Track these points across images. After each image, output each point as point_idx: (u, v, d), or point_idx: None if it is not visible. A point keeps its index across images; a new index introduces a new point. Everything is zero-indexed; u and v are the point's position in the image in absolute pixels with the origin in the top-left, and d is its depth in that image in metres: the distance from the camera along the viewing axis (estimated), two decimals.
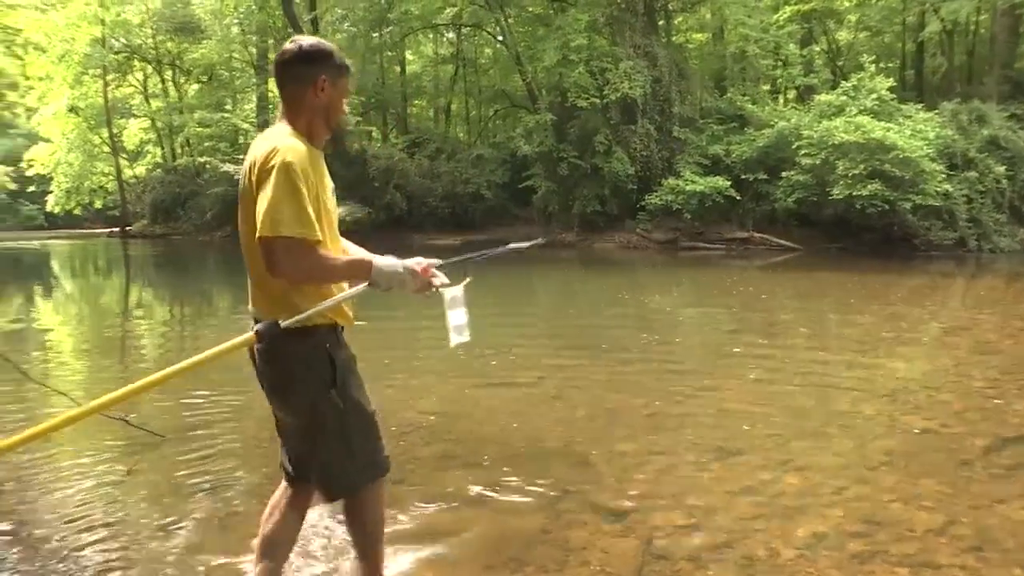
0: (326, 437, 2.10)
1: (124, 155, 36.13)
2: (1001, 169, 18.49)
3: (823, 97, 20.08)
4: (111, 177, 35.90)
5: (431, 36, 31.44)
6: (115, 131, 34.49)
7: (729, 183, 19.53)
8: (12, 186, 43.92)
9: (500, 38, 26.68)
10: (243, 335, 2.02)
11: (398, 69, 31.18)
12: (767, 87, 27.61)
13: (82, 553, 2.74)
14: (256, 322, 2.07)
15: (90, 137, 35.21)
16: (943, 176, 17.30)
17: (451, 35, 31.15)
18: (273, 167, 1.90)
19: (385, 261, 2.04)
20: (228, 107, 32.98)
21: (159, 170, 34.40)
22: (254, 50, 31.67)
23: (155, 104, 34.08)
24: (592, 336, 7.50)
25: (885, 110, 18.58)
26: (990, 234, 18.06)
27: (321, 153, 2.12)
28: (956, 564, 2.61)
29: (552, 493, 3.23)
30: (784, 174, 18.75)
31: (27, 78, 36.22)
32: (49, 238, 36.01)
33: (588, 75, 20.91)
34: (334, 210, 2.16)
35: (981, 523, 2.92)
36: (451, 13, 25.55)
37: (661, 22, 23.71)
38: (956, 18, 23.02)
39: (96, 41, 31.31)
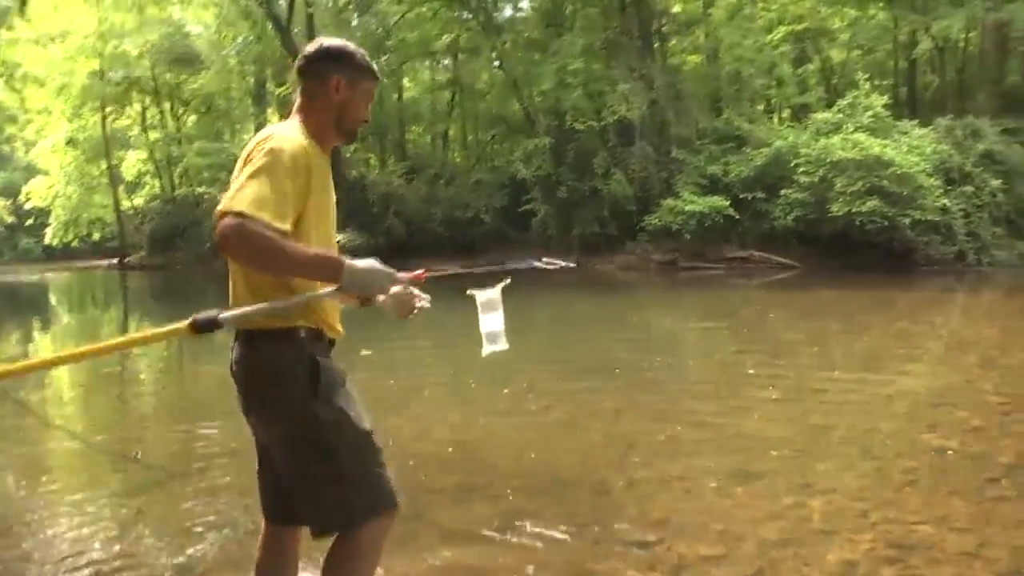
0: (309, 455, 1.83)
1: (122, 186, 36.21)
2: (997, 183, 18.60)
3: (820, 115, 20.24)
4: (109, 209, 35.95)
5: (428, 63, 31.66)
6: (113, 163, 34.61)
7: (728, 203, 19.59)
8: (10, 219, 43.98)
9: (497, 63, 26.88)
10: (175, 325, 1.75)
11: (395, 96, 31.35)
12: (762, 107, 27.81)
13: None
14: (235, 333, 1.90)
15: (88, 169, 35.35)
16: (941, 191, 17.39)
17: (448, 61, 31.37)
18: (262, 150, 1.77)
19: (362, 262, 1.79)
20: (226, 137, 33.15)
21: (158, 201, 34.47)
22: (252, 80, 31.89)
23: (153, 135, 34.27)
24: (601, 359, 7.45)
25: (881, 127, 18.70)
26: (988, 247, 18.10)
27: (327, 158, 1.98)
28: None
29: (574, 526, 3.15)
30: (783, 192, 18.83)
31: (26, 111, 36.44)
32: (47, 270, 35.96)
33: (585, 98, 21.07)
34: (333, 223, 2.00)
35: (1014, 544, 2.85)
36: (448, 40, 25.77)
37: (656, 45, 23.92)
38: (947, 35, 23.22)
39: (94, 74, 31.53)
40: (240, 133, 34.16)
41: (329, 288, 1.82)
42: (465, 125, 32.35)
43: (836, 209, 17.13)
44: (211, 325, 1.72)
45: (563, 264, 2.31)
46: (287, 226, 1.72)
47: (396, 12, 26.04)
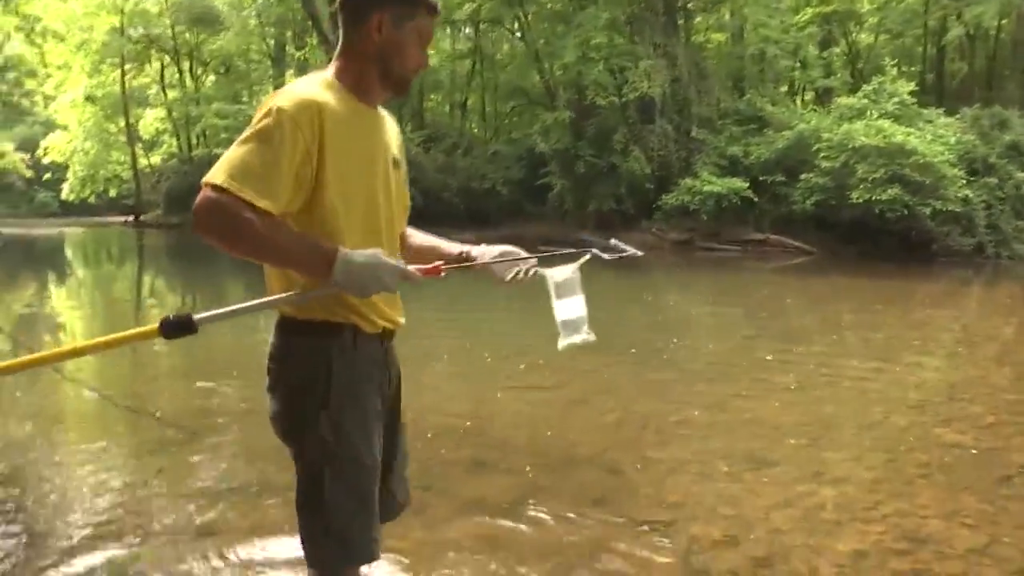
0: (299, 469, 1.63)
1: (140, 144, 36.30)
2: (1022, 175, 18.33)
3: (844, 100, 19.97)
4: (126, 166, 36.11)
5: (448, 31, 31.38)
6: (131, 121, 34.66)
7: (747, 185, 19.42)
8: (28, 173, 44.19)
9: (519, 34, 26.62)
10: (144, 327, 1.50)
11: None
12: (785, 88, 27.45)
13: (107, 554, 2.71)
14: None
15: (106, 126, 35.45)
16: (963, 182, 17.17)
17: (469, 30, 31.08)
18: (262, 110, 1.48)
19: (361, 254, 1.45)
20: (245, 99, 33.09)
21: (175, 160, 34.58)
22: (272, 42, 31.74)
23: (172, 94, 34.25)
24: (617, 338, 7.44)
25: (906, 114, 18.44)
26: (1009, 241, 17.89)
27: (373, 116, 1.65)
28: None
29: (587, 504, 3.19)
30: (803, 176, 18.63)
31: (45, 66, 36.50)
32: (64, 225, 36.21)
33: (607, 73, 20.86)
34: (381, 204, 1.64)
35: None
36: (470, 9, 25.47)
37: (681, 22, 23.57)
38: (979, 22, 22.78)
39: (114, 30, 31.49)
40: (259, 95, 34.08)
41: (320, 289, 1.51)
42: (484, 96, 32.13)
43: (856, 196, 16.95)
44: (182, 328, 1.44)
45: (629, 252, 1.83)
46: (276, 205, 1.43)
47: None
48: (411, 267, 1.54)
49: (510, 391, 5.11)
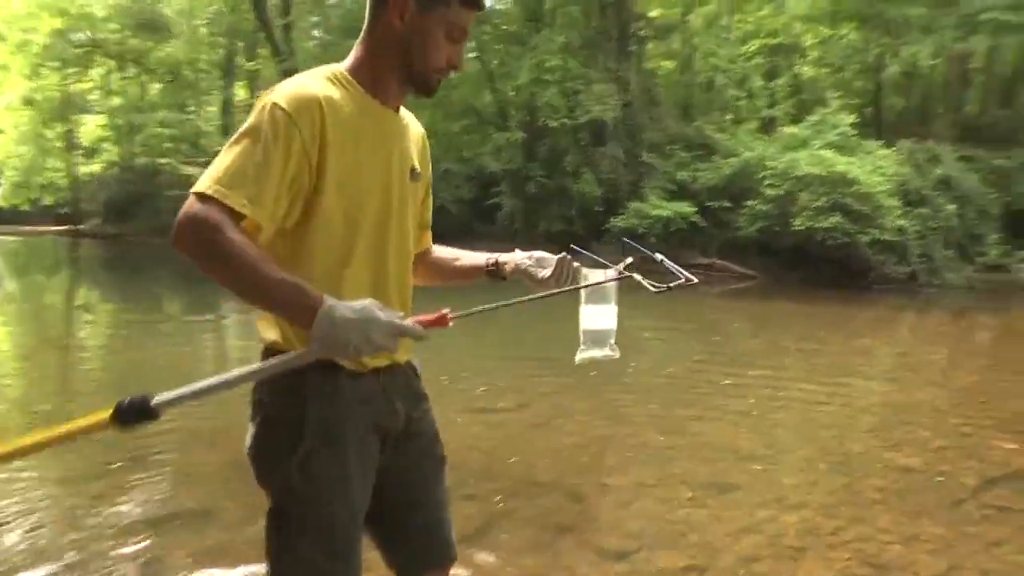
0: (268, 520, 1.40)
1: (79, 151, 35.11)
2: (952, 207, 19.15)
3: (789, 129, 20.57)
4: (63, 173, 34.86)
5: None
6: (71, 127, 33.54)
7: (694, 209, 19.78)
8: None
9: (474, 54, 26.72)
10: (95, 415, 1.20)
11: None
12: (730, 117, 28.18)
13: None
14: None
15: (43, 131, 34.17)
16: (899, 212, 17.83)
17: None
18: (256, 107, 1.31)
19: (349, 308, 1.20)
20: (191, 108, 32.37)
21: (116, 169, 33.52)
22: (222, 52, 31.20)
23: (115, 101, 33.27)
24: (573, 360, 7.44)
25: (847, 145, 19.06)
26: (940, 270, 18.60)
27: (395, 115, 1.47)
28: None
29: (550, 532, 3.13)
30: (748, 203, 19.07)
31: None
32: None
33: (560, 96, 21.07)
34: (395, 205, 1.43)
35: (984, 567, 2.92)
36: None
37: (633, 48, 24.02)
38: (915, 61, 23.81)
39: (57, 32, 30.48)
40: (206, 106, 33.43)
41: (302, 352, 1.25)
42: (436, 114, 32.10)
43: (799, 223, 17.42)
44: (141, 415, 1.19)
45: (683, 279, 1.56)
46: (268, 213, 1.25)
47: None
48: (410, 321, 1.26)
49: (470, 414, 5.02)
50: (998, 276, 18.96)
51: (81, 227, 32.50)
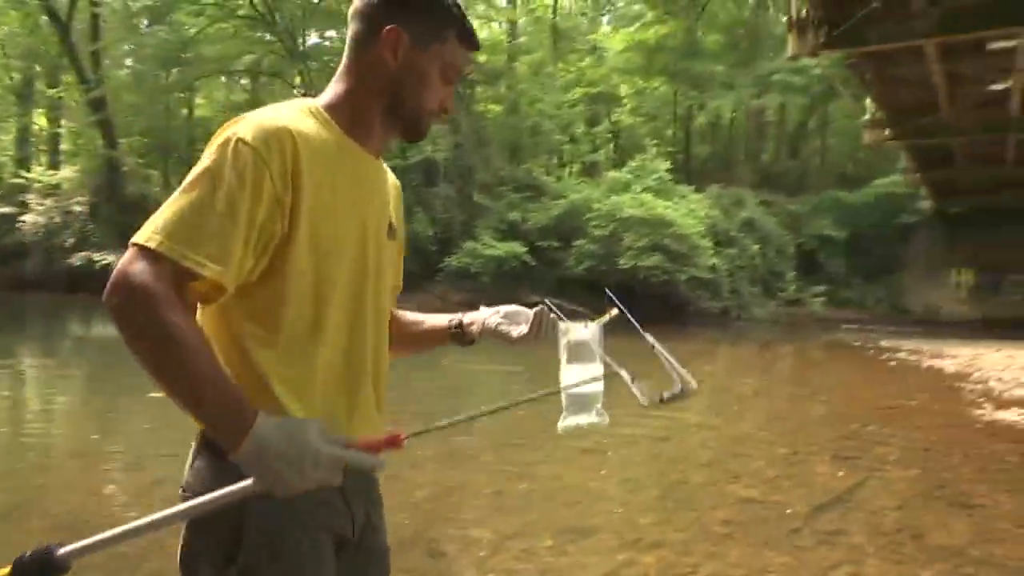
0: None
1: None
2: (756, 247, 21.08)
3: (613, 174, 21.76)
4: None
5: (224, 80, 30.02)
6: None
7: (525, 249, 20.32)
8: None
9: (302, 90, 26.06)
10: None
11: (185, 111, 29.30)
12: (556, 160, 29.44)
13: None
14: None
15: None
16: (711, 251, 19.33)
17: (246, 81, 29.95)
18: (214, 144, 1.08)
19: (282, 429, 1.00)
20: None
21: None
22: (18, 76, 28.34)
23: None
24: (413, 404, 7.24)
25: (664, 189, 20.47)
26: (748, 305, 20.34)
27: (377, 162, 1.26)
28: None
29: None
30: (576, 243, 19.87)
31: None
32: None
33: None
34: (372, 260, 1.21)
35: None
36: (249, 60, 24.58)
37: (463, 90, 24.51)
38: (718, 113, 26.15)
39: None
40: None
41: (238, 485, 1.00)
42: None
43: (623, 262, 18.38)
44: (45, 569, 0.96)
45: (681, 389, 1.29)
46: (231, 272, 1.04)
47: (195, 25, 24.46)
48: (355, 447, 1.03)
49: None
50: (795, 309, 21.01)
51: None
